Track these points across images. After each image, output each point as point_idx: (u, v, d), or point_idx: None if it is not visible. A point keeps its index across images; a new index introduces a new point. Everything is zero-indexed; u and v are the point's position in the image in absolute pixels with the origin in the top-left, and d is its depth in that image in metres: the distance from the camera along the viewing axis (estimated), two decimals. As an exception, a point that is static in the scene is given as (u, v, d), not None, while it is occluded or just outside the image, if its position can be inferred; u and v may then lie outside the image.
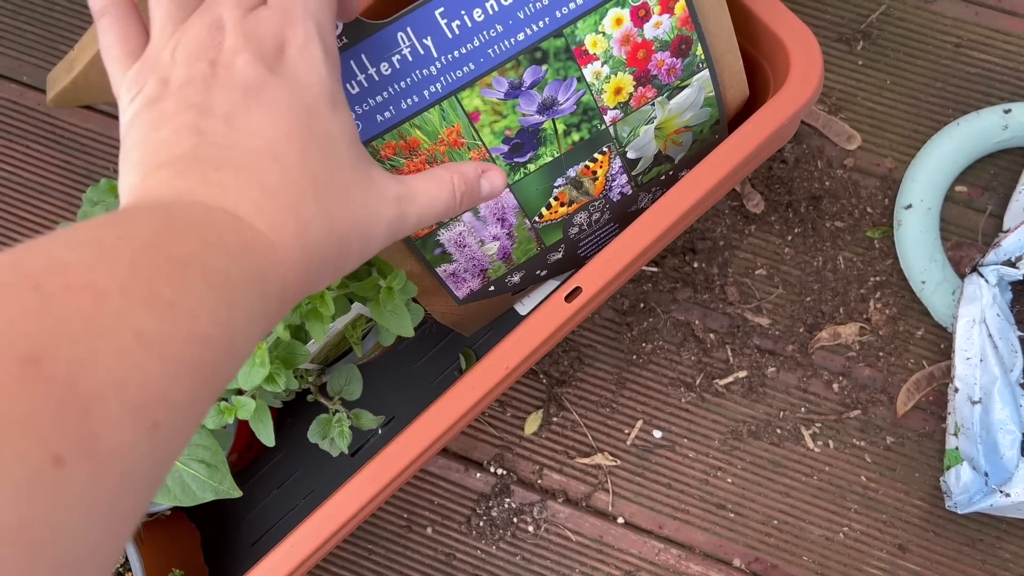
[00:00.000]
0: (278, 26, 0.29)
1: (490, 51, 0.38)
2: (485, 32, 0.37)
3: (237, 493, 0.39)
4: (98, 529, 0.20)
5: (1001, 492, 0.49)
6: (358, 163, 0.30)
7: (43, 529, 0.18)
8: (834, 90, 0.60)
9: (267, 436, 0.39)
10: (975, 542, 0.55)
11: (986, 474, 0.50)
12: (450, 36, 0.37)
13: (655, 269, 0.59)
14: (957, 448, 0.52)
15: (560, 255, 0.47)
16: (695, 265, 0.59)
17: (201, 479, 0.37)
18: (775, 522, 0.56)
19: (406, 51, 0.37)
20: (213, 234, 0.25)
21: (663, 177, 0.45)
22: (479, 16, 0.37)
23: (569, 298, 0.39)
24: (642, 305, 0.59)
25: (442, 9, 0.37)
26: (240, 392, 0.40)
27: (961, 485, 0.51)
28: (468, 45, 0.38)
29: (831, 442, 0.57)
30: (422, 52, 0.37)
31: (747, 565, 0.56)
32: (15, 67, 0.66)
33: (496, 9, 0.37)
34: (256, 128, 0.28)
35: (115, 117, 0.65)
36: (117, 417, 0.20)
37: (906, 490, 0.56)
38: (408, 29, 0.37)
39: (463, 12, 0.37)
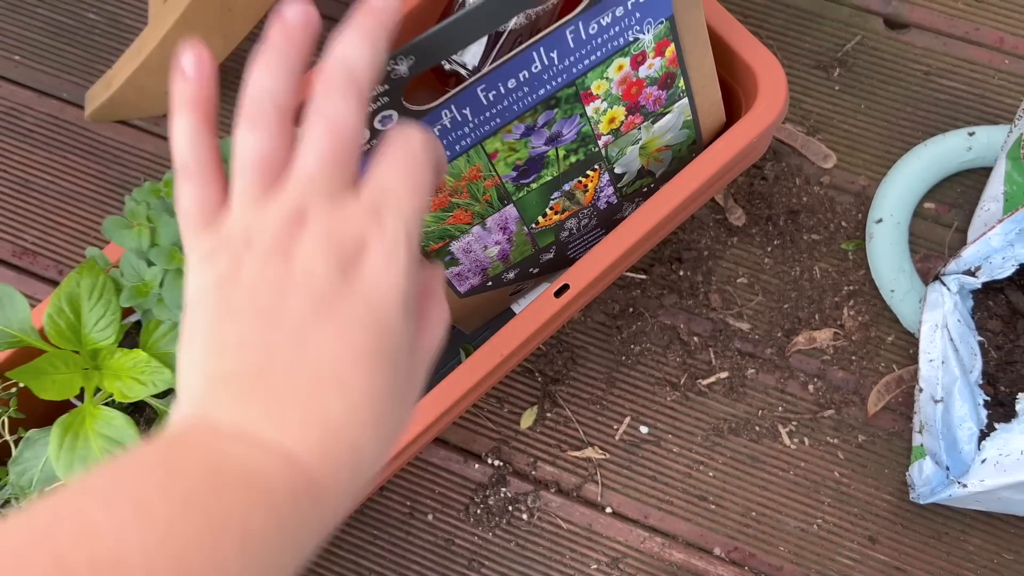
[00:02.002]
0: (365, 226, 0.27)
1: (515, 107, 0.42)
2: (513, 95, 0.42)
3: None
4: None
5: (959, 484, 0.52)
6: (411, 364, 0.28)
7: None
8: (812, 113, 0.65)
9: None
10: (941, 535, 0.58)
11: (947, 468, 0.54)
12: (484, 103, 0.41)
13: (644, 277, 0.64)
14: (922, 444, 0.56)
15: (552, 256, 0.52)
16: (681, 273, 0.63)
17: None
18: (753, 514, 0.60)
19: (447, 121, 0.41)
20: (259, 489, 0.24)
21: (645, 189, 0.50)
22: (512, 84, 0.41)
23: (558, 294, 0.43)
24: (631, 310, 0.63)
25: (484, 86, 0.40)
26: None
27: (924, 477, 0.55)
28: (499, 107, 0.42)
29: (806, 439, 0.60)
30: (459, 119, 0.41)
31: (727, 554, 0.59)
32: (56, 85, 0.72)
33: (527, 76, 0.41)
34: (324, 347, 0.26)
35: (146, 131, 0.70)
36: None
37: (876, 485, 0.59)
38: (452, 106, 0.41)
39: (500, 84, 0.41)
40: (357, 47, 0.28)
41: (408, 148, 0.28)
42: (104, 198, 0.69)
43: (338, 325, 0.26)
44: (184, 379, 0.27)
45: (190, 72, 0.29)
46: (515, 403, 0.63)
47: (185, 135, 0.28)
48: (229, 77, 0.70)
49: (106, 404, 0.41)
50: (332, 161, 0.27)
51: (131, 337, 0.44)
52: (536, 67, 0.40)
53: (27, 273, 0.68)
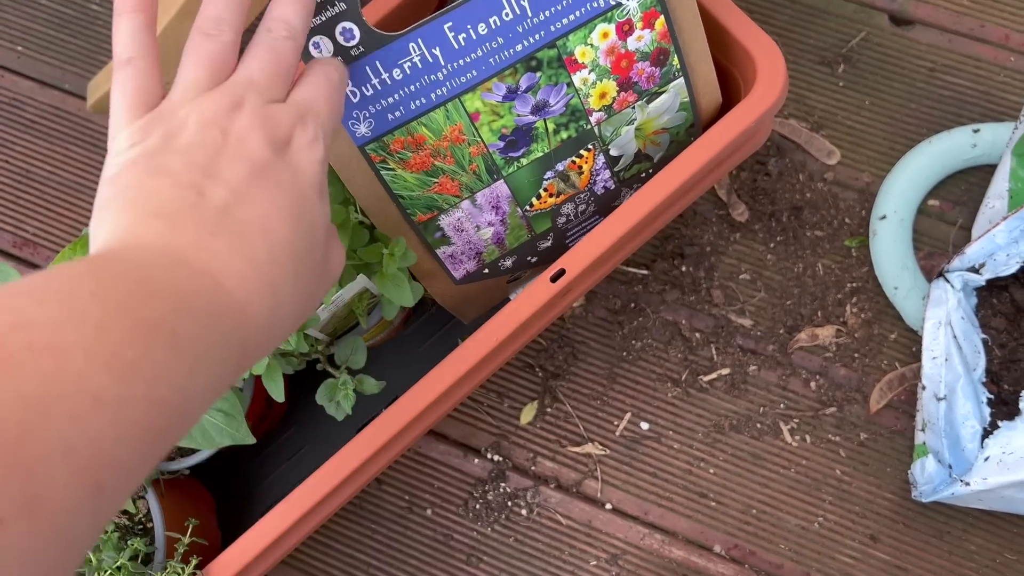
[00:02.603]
0: (291, 122, 0.31)
1: (491, 60, 0.43)
2: (487, 44, 0.42)
3: (251, 440, 0.43)
4: None
5: (962, 482, 0.52)
6: (326, 247, 0.32)
7: None
8: (816, 109, 0.65)
9: (278, 392, 0.43)
10: (943, 534, 0.58)
11: (950, 466, 0.53)
12: (456, 47, 0.42)
13: (645, 272, 0.63)
14: (924, 443, 0.56)
15: (549, 243, 0.51)
16: (683, 269, 0.63)
17: (220, 426, 0.41)
18: (754, 511, 0.59)
19: (416, 59, 0.42)
20: (186, 300, 0.26)
21: (643, 175, 0.50)
22: (483, 30, 0.42)
23: (554, 279, 0.43)
24: (633, 305, 0.63)
25: (450, 23, 0.41)
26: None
27: (926, 476, 0.54)
28: (472, 55, 0.42)
29: (808, 437, 0.60)
30: (430, 60, 0.42)
31: (727, 551, 0.59)
32: (58, 76, 0.72)
33: (498, 24, 0.42)
34: (254, 202, 0.29)
35: (149, 122, 0.70)
36: (62, 480, 0.21)
37: (878, 483, 0.59)
38: (419, 40, 0.42)
39: (468, 26, 0.41)
40: (291, 7, 0.33)
41: (327, 70, 0.34)
42: (105, 189, 0.69)
43: (267, 187, 0.29)
44: (109, 219, 0.28)
45: None
46: (515, 398, 0.63)
47: (129, 31, 0.32)
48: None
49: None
50: (272, 73, 0.32)
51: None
52: (507, 14, 0.41)
53: (28, 264, 0.68)
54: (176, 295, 0.26)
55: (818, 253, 0.63)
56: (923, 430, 0.56)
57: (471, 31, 0.41)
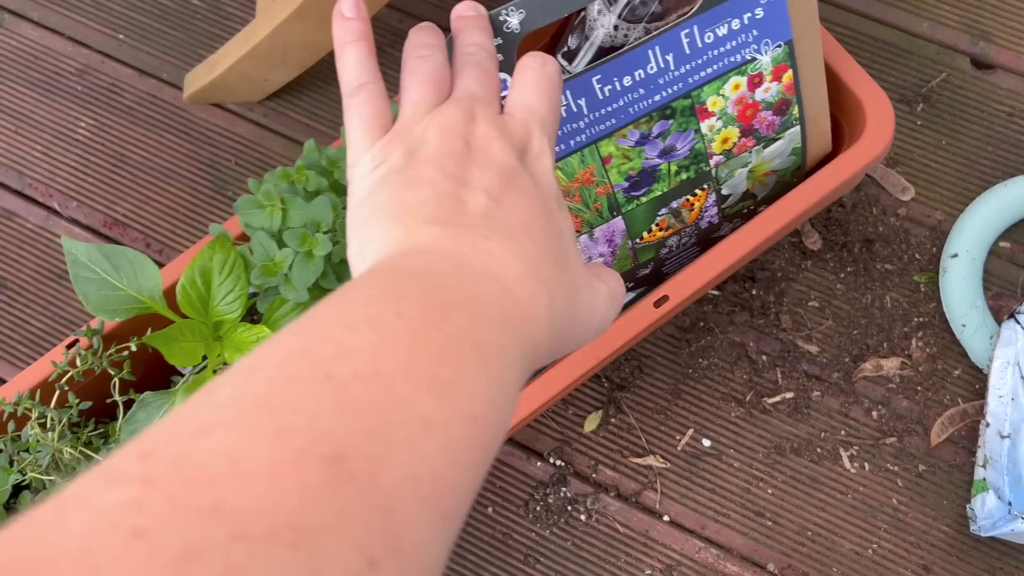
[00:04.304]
0: (521, 131, 0.32)
1: (630, 109, 0.44)
2: (629, 95, 0.43)
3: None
4: None
5: (1022, 518, 0.53)
6: (579, 260, 0.32)
7: None
8: (893, 146, 0.66)
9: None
10: (995, 570, 0.59)
11: (1010, 503, 0.55)
12: (600, 98, 0.43)
13: (717, 293, 0.65)
14: (984, 479, 0.57)
15: (648, 271, 0.53)
16: (753, 292, 0.65)
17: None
18: (809, 533, 0.61)
19: (561, 109, 0.43)
20: (482, 305, 0.26)
21: (745, 211, 0.52)
22: (627, 82, 0.43)
23: (658, 304, 0.45)
24: (702, 324, 0.65)
25: (599, 76, 0.42)
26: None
27: (986, 511, 0.55)
28: (613, 105, 0.44)
29: (867, 464, 0.61)
30: (575, 110, 0.43)
31: (780, 570, 0.61)
32: (156, 65, 0.74)
33: (642, 76, 0.43)
34: (510, 206, 0.29)
35: (240, 115, 0.73)
36: (415, 512, 0.20)
37: (934, 515, 0.60)
38: (568, 92, 0.43)
39: (615, 79, 0.43)
40: (478, 34, 0.34)
41: (543, 69, 0.33)
42: (195, 177, 0.72)
43: (518, 192, 0.30)
44: (381, 231, 0.28)
45: (351, 14, 0.34)
46: (580, 406, 0.65)
47: (357, 60, 0.33)
48: (328, 72, 0.72)
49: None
50: (489, 88, 0.33)
51: (250, 313, 0.47)
52: (651, 68, 0.42)
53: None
54: (471, 303, 0.26)
55: (887, 286, 0.64)
56: (984, 466, 0.57)
57: (616, 83, 0.43)
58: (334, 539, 0.18)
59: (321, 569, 0.18)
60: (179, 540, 0.17)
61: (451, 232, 0.28)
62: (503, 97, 0.34)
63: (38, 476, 0.42)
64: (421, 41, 0.34)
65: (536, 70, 0.33)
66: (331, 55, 0.68)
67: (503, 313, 0.26)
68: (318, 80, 0.73)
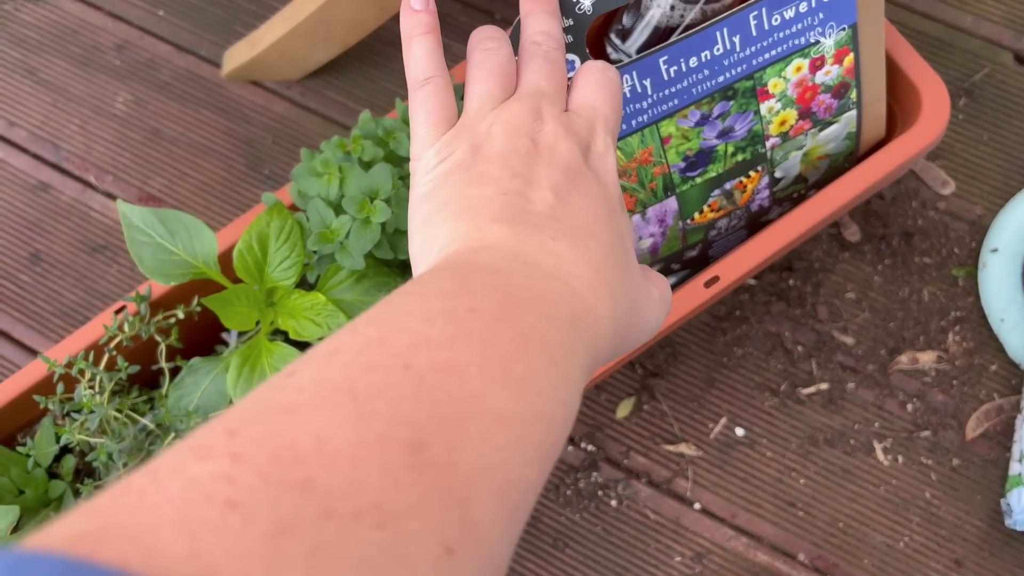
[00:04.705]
0: (586, 130, 0.31)
1: (694, 90, 0.44)
2: (694, 75, 0.43)
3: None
4: None
5: (1060, 514, 0.53)
6: (636, 263, 0.32)
7: None
8: (934, 139, 0.66)
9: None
10: (1028, 566, 0.59)
11: (1047, 498, 0.54)
12: (665, 79, 0.43)
13: (754, 282, 0.65)
14: (1020, 474, 0.57)
15: (695, 253, 0.53)
16: (791, 282, 0.65)
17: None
18: (840, 524, 0.61)
19: (626, 89, 0.43)
20: (549, 305, 0.26)
21: (795, 195, 0.52)
22: (693, 63, 0.43)
23: (708, 284, 0.45)
24: (738, 313, 0.65)
25: (666, 57, 0.42)
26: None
27: (1022, 505, 0.55)
28: (678, 85, 0.43)
29: (900, 457, 0.61)
30: (639, 90, 0.43)
31: (811, 561, 0.60)
32: (195, 42, 0.75)
33: (708, 58, 0.43)
34: (577, 206, 0.29)
35: (277, 93, 0.73)
36: (488, 504, 0.20)
37: (967, 510, 0.60)
38: (633, 72, 0.43)
39: (682, 59, 0.42)
40: (546, 21, 0.34)
41: (605, 72, 0.33)
42: (230, 154, 0.72)
43: (583, 192, 0.30)
44: (447, 227, 0.29)
45: (420, 7, 0.33)
46: (613, 392, 0.64)
47: (425, 53, 0.33)
48: (380, 45, 0.72)
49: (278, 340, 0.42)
50: (555, 83, 0.32)
51: (303, 282, 0.47)
52: (718, 49, 0.42)
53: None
54: (540, 302, 0.26)
55: (925, 280, 0.64)
56: (1020, 461, 0.57)
57: (683, 64, 0.42)
58: (416, 523, 0.18)
59: (405, 551, 0.18)
60: (272, 513, 0.17)
61: (518, 231, 0.28)
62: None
63: (85, 438, 0.42)
64: (487, 35, 0.34)
65: (599, 72, 0.34)
66: (373, 34, 0.69)
67: (570, 314, 0.27)
68: (355, 60, 0.73)
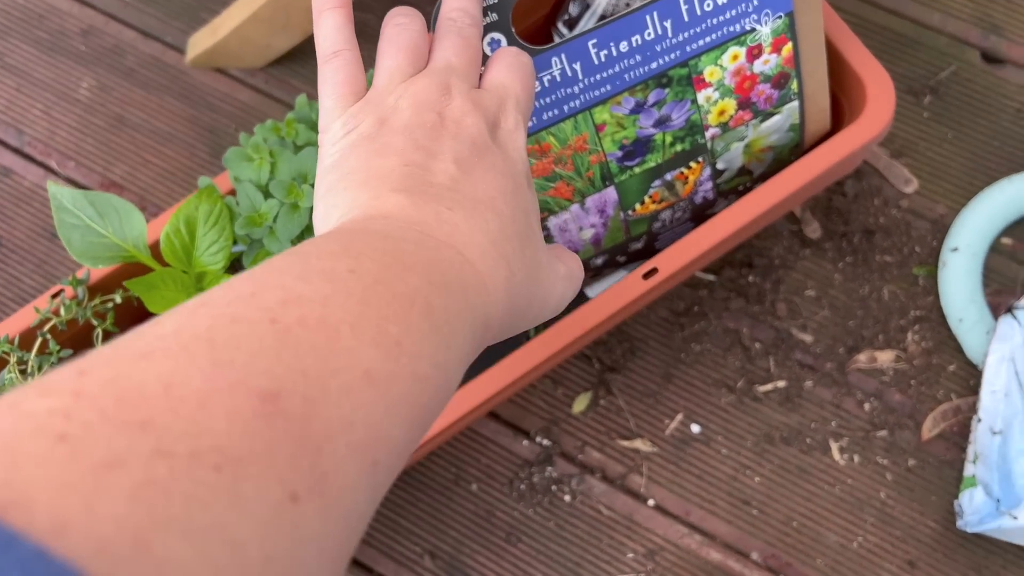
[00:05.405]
0: (497, 106, 0.32)
1: (626, 76, 0.44)
2: (625, 60, 0.43)
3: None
4: (325, 567, 0.20)
5: (1010, 515, 0.52)
6: (541, 239, 0.32)
7: (283, 566, 0.18)
8: (898, 137, 0.65)
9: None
10: (982, 568, 0.58)
11: (998, 500, 0.54)
12: (596, 63, 0.43)
13: (713, 278, 0.64)
14: (974, 475, 0.56)
15: (640, 245, 0.53)
16: (750, 279, 0.64)
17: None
18: (795, 523, 0.60)
19: (556, 72, 0.43)
20: (437, 272, 0.26)
21: (741, 188, 0.51)
22: (624, 47, 0.43)
23: (647, 276, 0.45)
24: (696, 309, 0.64)
25: (595, 40, 0.42)
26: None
27: (973, 506, 0.55)
28: (610, 70, 0.43)
29: (856, 457, 0.61)
30: (570, 74, 0.43)
31: (764, 559, 0.60)
32: (161, 28, 0.74)
33: (639, 42, 0.42)
34: (478, 180, 0.30)
35: (241, 81, 0.72)
36: (344, 456, 0.21)
37: (921, 511, 0.60)
38: (562, 55, 0.42)
39: (612, 43, 0.42)
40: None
41: (518, 57, 0.34)
42: (194, 141, 0.72)
43: (486, 168, 0.30)
44: (346, 196, 0.29)
45: None
46: (569, 386, 0.64)
47: (334, 26, 0.33)
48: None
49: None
50: (467, 58, 0.33)
51: (234, 267, 0.46)
52: (649, 34, 0.42)
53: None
54: (428, 267, 0.26)
55: (885, 278, 0.63)
56: (974, 462, 0.56)
57: (613, 48, 0.42)
58: (257, 468, 0.19)
59: (241, 494, 0.18)
60: (102, 448, 0.17)
61: (415, 200, 0.28)
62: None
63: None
64: (399, 11, 0.34)
65: (512, 56, 0.34)
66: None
67: (459, 282, 0.27)
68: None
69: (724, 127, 0.47)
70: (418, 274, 0.25)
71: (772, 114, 0.47)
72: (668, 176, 0.48)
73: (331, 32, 0.33)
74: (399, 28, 0.33)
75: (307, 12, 0.64)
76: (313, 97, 0.72)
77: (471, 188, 0.29)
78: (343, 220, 0.28)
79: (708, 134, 0.47)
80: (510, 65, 0.33)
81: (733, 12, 0.41)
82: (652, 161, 0.47)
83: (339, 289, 0.23)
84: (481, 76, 0.34)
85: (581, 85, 0.43)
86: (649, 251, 0.52)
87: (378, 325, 0.23)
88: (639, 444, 0.63)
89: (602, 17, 0.45)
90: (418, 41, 0.33)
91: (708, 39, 0.43)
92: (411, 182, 0.29)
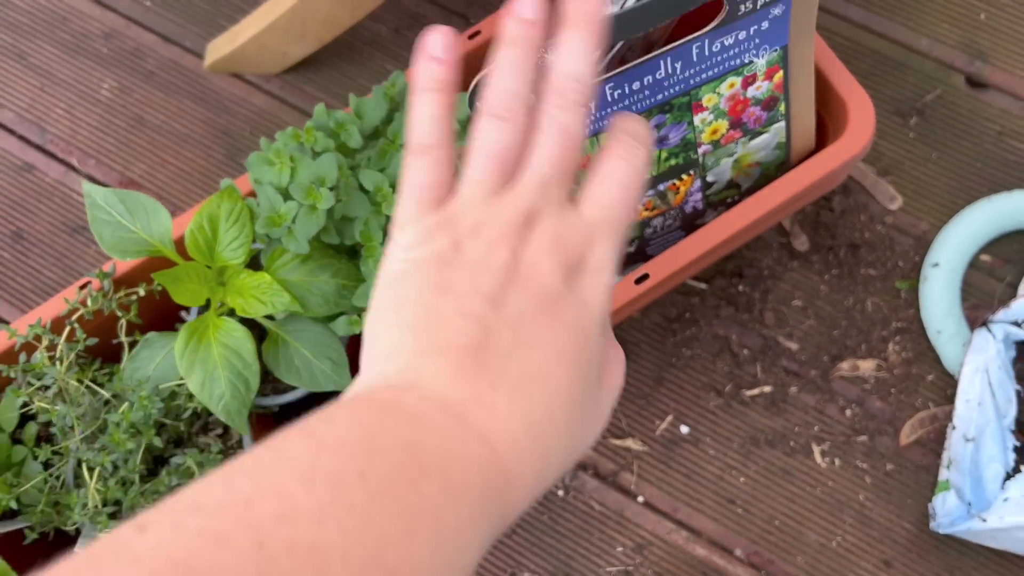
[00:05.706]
0: (584, 239, 0.28)
1: (633, 108, 0.46)
2: (635, 96, 0.45)
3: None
4: None
5: (980, 518, 0.55)
6: (599, 381, 0.29)
7: None
8: (885, 156, 0.68)
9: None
10: (954, 569, 0.61)
11: (969, 503, 0.57)
12: (608, 100, 0.45)
13: (704, 286, 0.67)
14: (948, 480, 0.59)
15: (632, 249, 0.56)
16: (740, 288, 0.67)
17: (327, 373, 0.45)
18: (777, 522, 0.63)
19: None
20: (458, 473, 0.24)
21: (729, 200, 0.54)
22: (636, 87, 0.45)
23: (639, 281, 0.48)
24: (688, 315, 0.67)
25: (612, 84, 0.44)
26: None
27: (946, 509, 0.58)
28: (619, 106, 0.46)
29: (837, 460, 0.64)
30: None
31: (747, 556, 0.63)
32: (180, 33, 0.77)
33: (650, 81, 0.45)
34: (537, 342, 0.27)
35: (258, 87, 0.75)
36: None
37: (898, 513, 0.62)
38: None
39: (626, 84, 0.44)
40: (581, 60, 0.29)
41: (633, 162, 0.30)
42: (210, 144, 0.74)
43: (552, 325, 0.27)
44: (389, 342, 0.27)
45: (441, 55, 0.29)
46: (566, 387, 0.67)
47: (430, 115, 0.29)
48: (358, 43, 0.75)
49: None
50: (564, 170, 0.29)
51: (253, 263, 0.49)
52: (660, 74, 0.44)
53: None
54: (448, 470, 0.24)
55: (869, 291, 0.66)
56: (948, 467, 0.59)
57: (626, 87, 0.45)
58: None
59: None
60: None
61: (458, 372, 0.26)
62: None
63: (44, 405, 0.44)
64: (505, 87, 0.29)
65: (626, 161, 0.30)
66: (351, 32, 0.71)
67: (480, 486, 0.25)
68: (334, 56, 0.75)
69: (716, 144, 0.50)
70: (435, 481, 0.23)
71: (761, 132, 0.50)
72: (661, 187, 0.51)
73: (426, 123, 0.29)
74: (498, 127, 0.29)
75: (323, 23, 0.67)
76: (329, 105, 0.75)
77: (524, 359, 0.27)
78: (381, 378, 0.26)
79: (700, 150, 0.50)
80: (619, 180, 0.29)
81: (737, 50, 0.44)
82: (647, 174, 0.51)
83: (342, 501, 0.22)
84: (586, 179, 0.29)
85: (591, 119, 0.46)
86: (641, 255, 0.55)
87: (374, 553, 0.21)
88: (630, 443, 0.65)
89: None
90: (515, 142, 0.29)
91: (711, 73, 0.46)
92: (461, 341, 0.26)
